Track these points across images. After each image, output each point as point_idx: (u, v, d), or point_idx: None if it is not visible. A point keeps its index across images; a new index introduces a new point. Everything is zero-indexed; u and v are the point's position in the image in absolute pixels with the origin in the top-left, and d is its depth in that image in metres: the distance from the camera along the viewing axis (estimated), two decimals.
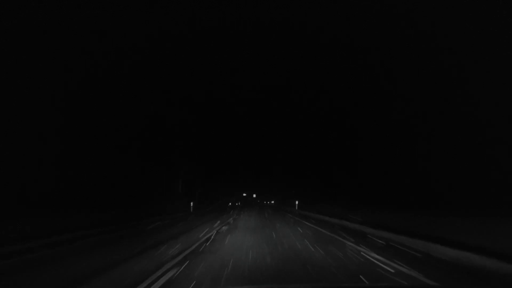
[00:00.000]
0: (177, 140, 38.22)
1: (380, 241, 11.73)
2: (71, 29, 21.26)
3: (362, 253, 9.42)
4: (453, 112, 21.47)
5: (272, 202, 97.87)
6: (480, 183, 18.11)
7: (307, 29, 29.97)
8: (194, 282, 6.18)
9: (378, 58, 26.91)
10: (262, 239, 12.67)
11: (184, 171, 41.60)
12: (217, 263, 7.89)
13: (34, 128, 20.88)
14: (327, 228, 17.13)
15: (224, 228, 17.46)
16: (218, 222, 21.54)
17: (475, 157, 19.32)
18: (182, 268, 7.33)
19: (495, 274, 6.47)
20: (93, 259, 8.49)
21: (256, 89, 53.83)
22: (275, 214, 35.08)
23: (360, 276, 6.60)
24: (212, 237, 13.34)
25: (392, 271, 7.09)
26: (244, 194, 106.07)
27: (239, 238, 13.04)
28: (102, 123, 25.82)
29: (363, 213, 19.24)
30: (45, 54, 21.01)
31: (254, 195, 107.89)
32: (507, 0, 19.90)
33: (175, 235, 13.62)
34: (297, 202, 41.09)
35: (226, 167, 69.39)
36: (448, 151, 21.03)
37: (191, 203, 34.76)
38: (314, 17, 29.85)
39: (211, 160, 55.68)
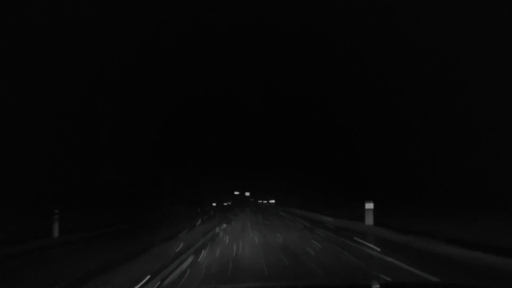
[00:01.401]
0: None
1: None
2: (71, 28, 20.94)
3: None
4: (455, 111, 21.70)
5: (272, 201, 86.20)
6: None
7: (310, 29, 30.02)
8: None
9: (379, 58, 27.07)
10: None
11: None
12: None
13: (33, 128, 20.51)
14: None
15: None
16: None
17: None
18: None
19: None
20: None
21: (255, 87, 53.77)
22: None
23: None
24: None
25: None
26: (236, 193, 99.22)
27: None
28: (101, 122, 25.50)
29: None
30: (44, 54, 20.63)
31: (247, 193, 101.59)
32: (507, 0, 20.15)
33: None
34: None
35: (216, 162, 65.86)
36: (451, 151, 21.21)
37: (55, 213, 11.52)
38: (314, 17, 29.91)
39: (199, 155, 53.13)
